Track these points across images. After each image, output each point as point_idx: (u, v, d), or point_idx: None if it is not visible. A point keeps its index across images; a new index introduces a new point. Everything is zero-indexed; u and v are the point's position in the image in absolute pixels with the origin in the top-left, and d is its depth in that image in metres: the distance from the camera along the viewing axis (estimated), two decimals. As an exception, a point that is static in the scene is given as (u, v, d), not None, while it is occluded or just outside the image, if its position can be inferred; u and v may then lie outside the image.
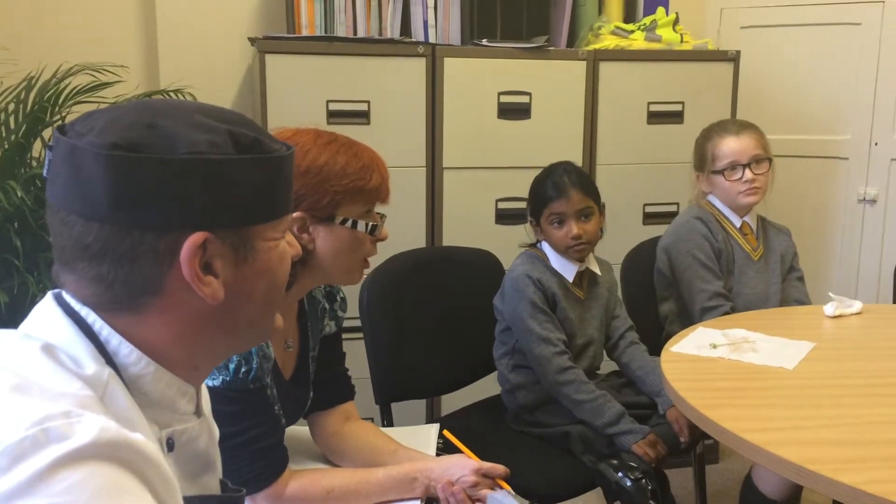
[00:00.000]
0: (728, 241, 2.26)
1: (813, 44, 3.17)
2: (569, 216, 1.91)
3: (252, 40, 2.56)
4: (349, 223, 1.30)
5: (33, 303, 0.78)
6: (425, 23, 2.61)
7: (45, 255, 2.12)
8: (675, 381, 1.58)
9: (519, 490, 1.40)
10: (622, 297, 2.25)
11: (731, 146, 2.21)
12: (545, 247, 2.01)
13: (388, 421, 1.97)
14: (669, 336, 1.93)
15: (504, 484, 1.39)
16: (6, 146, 2.23)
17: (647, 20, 2.77)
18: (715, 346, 1.76)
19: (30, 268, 2.10)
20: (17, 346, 0.72)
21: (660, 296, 2.33)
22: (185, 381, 0.79)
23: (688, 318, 2.22)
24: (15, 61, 2.40)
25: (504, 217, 2.63)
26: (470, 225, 2.60)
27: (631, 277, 2.32)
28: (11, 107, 2.26)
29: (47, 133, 2.31)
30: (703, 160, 2.28)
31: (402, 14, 2.60)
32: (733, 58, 2.76)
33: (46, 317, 0.74)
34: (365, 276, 1.64)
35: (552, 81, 2.60)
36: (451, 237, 2.58)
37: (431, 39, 2.62)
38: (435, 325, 2.10)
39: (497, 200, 2.62)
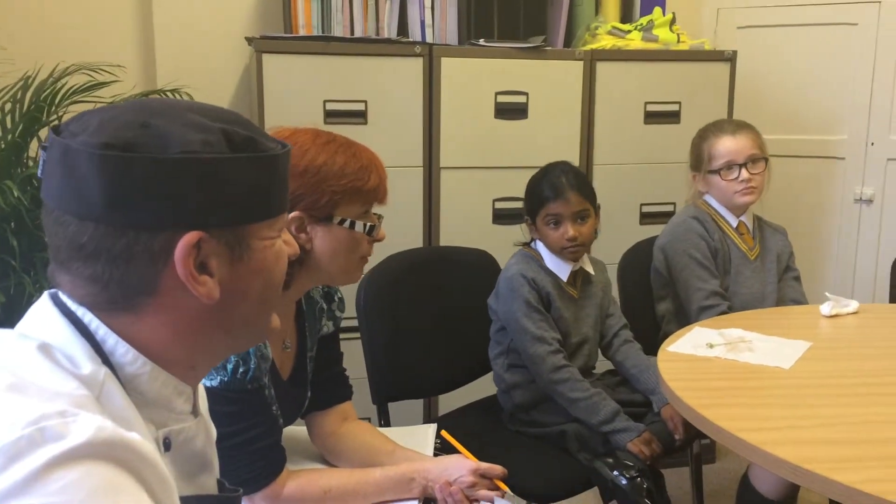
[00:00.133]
0: (724, 240, 2.27)
1: (810, 44, 3.17)
2: (565, 218, 1.91)
3: (249, 40, 2.56)
4: (347, 223, 1.30)
5: (30, 302, 0.78)
6: (422, 22, 2.61)
7: (41, 255, 2.12)
8: (672, 381, 1.58)
9: (515, 490, 1.41)
10: (619, 296, 2.25)
11: (728, 146, 2.22)
12: (539, 246, 2.01)
13: (384, 421, 1.97)
14: (666, 335, 1.93)
15: (501, 484, 1.39)
16: (2, 146, 2.23)
17: (644, 20, 2.77)
18: (711, 346, 1.77)
19: (26, 268, 2.09)
20: (13, 346, 0.72)
21: (657, 295, 2.34)
22: (182, 380, 0.79)
23: (684, 318, 2.23)
24: (11, 61, 2.40)
25: (501, 217, 2.63)
26: (467, 225, 2.60)
27: (628, 277, 2.32)
28: (8, 106, 2.26)
29: (44, 133, 2.31)
30: (699, 160, 2.29)
31: (399, 14, 2.60)
32: (730, 58, 2.76)
33: (43, 316, 0.74)
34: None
35: (549, 81, 2.60)
36: (449, 237, 2.58)
37: (428, 39, 2.62)
38: (432, 325, 2.10)
39: (494, 200, 2.62)
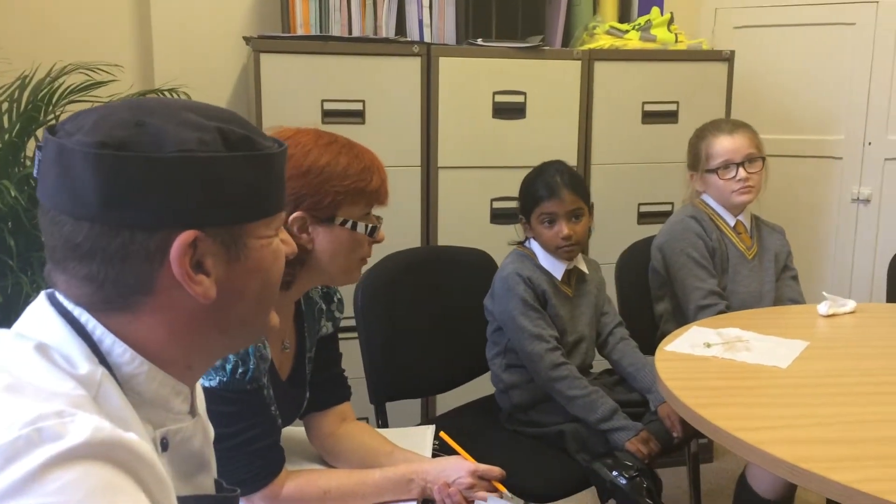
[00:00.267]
0: (722, 239, 2.27)
1: (807, 44, 3.17)
2: (560, 216, 1.92)
3: (247, 39, 2.55)
4: (349, 224, 1.30)
5: (27, 302, 0.77)
6: (420, 22, 2.61)
7: (38, 255, 2.12)
8: (670, 380, 1.58)
9: (514, 490, 1.41)
10: (617, 296, 2.25)
11: (725, 145, 2.22)
12: (534, 245, 2.01)
13: (382, 421, 1.97)
14: (664, 335, 1.94)
15: (500, 486, 1.39)
16: (0, 145, 2.23)
17: (642, 20, 2.77)
18: (709, 346, 1.77)
19: (24, 267, 2.09)
20: (10, 346, 0.72)
21: (654, 295, 2.34)
22: (180, 380, 0.79)
23: (682, 317, 2.23)
24: (9, 60, 2.39)
25: (499, 217, 2.63)
26: (465, 224, 2.60)
27: (625, 277, 2.32)
28: (5, 106, 2.26)
29: (41, 132, 2.29)
30: (696, 159, 2.29)
31: (398, 13, 2.60)
32: (728, 58, 2.77)
33: (39, 316, 0.74)
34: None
35: (547, 81, 2.60)
36: (446, 237, 2.58)
37: (426, 39, 2.62)
38: (430, 325, 2.10)
39: (492, 200, 2.62)
